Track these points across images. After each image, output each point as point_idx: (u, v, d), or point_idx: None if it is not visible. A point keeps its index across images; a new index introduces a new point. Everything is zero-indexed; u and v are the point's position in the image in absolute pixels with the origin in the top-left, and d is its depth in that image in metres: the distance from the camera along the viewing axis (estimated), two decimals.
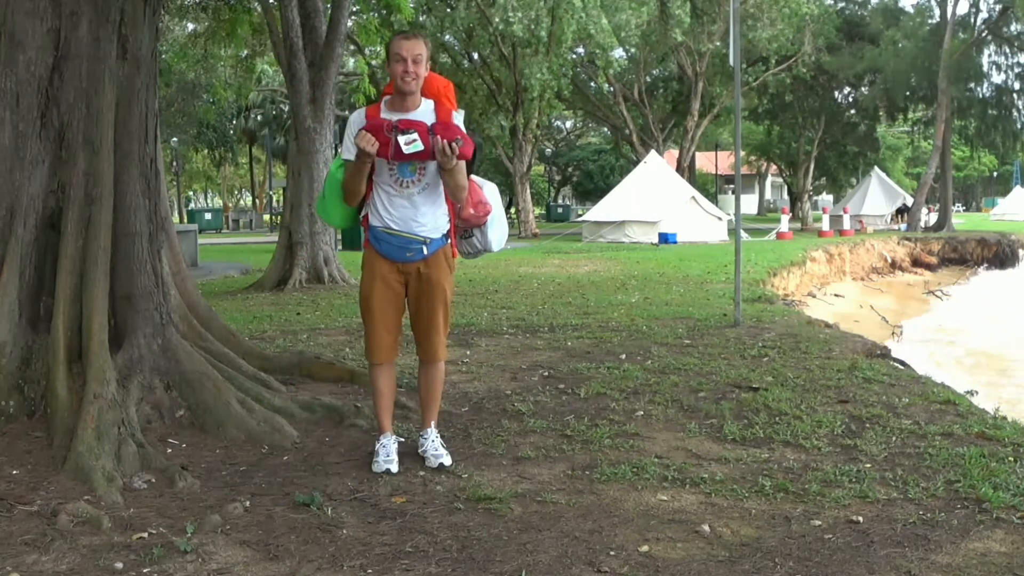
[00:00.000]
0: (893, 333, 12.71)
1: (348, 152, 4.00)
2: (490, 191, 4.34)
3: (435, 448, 4.23)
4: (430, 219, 4.09)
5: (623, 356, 6.99)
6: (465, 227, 4.28)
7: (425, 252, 4.09)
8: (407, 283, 4.17)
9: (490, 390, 5.85)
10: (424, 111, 4.02)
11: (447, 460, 4.19)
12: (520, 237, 30.22)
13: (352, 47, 24.38)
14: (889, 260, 25.74)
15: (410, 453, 4.34)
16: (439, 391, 4.37)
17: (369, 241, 4.14)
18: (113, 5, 4.64)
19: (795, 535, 3.37)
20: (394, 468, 4.11)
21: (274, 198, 49.69)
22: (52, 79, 4.52)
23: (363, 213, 4.17)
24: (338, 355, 7.01)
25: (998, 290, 21.36)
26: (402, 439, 4.48)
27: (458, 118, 4.09)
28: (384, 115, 4.00)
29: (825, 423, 4.87)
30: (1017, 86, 34.23)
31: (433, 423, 4.34)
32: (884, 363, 6.93)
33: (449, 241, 4.20)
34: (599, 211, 28.56)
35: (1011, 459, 4.21)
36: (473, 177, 4.21)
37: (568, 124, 56.99)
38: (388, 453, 4.17)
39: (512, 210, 36.50)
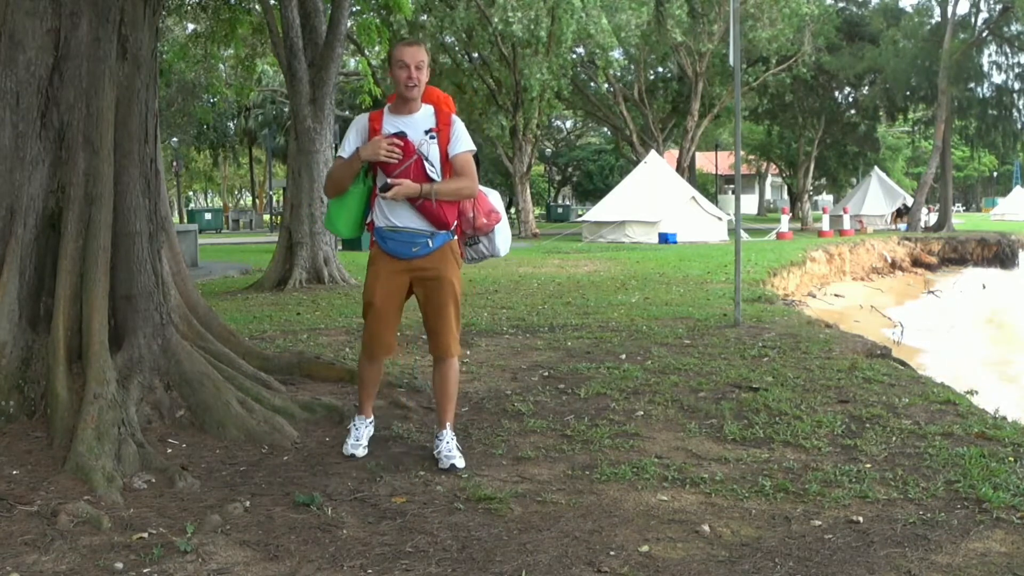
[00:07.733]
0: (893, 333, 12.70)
1: (344, 151, 4.14)
2: (495, 199, 4.39)
3: (449, 450, 4.21)
4: None
5: (623, 356, 6.99)
6: (475, 234, 4.31)
7: (431, 245, 4.12)
8: (413, 282, 4.19)
9: (490, 390, 5.85)
10: (424, 115, 4.13)
11: (460, 463, 4.15)
12: (520, 237, 30.21)
13: (352, 47, 24.38)
14: (889, 260, 25.73)
15: (412, 453, 4.35)
16: (454, 389, 4.34)
17: (375, 242, 4.19)
18: (113, 5, 4.64)
19: (795, 535, 3.37)
20: (360, 453, 4.24)
21: (274, 198, 49.66)
22: (52, 79, 4.52)
23: (368, 219, 4.24)
24: (338, 355, 7.01)
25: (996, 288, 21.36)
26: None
27: (458, 125, 4.17)
28: (387, 119, 4.12)
29: (825, 423, 4.87)
30: (1017, 86, 34.18)
31: (449, 424, 4.28)
32: (884, 363, 6.92)
33: (455, 237, 4.22)
34: (599, 211, 28.55)
35: (1011, 459, 4.21)
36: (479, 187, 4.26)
37: (568, 124, 56.93)
38: (358, 437, 4.32)
39: (512, 210, 36.49)
